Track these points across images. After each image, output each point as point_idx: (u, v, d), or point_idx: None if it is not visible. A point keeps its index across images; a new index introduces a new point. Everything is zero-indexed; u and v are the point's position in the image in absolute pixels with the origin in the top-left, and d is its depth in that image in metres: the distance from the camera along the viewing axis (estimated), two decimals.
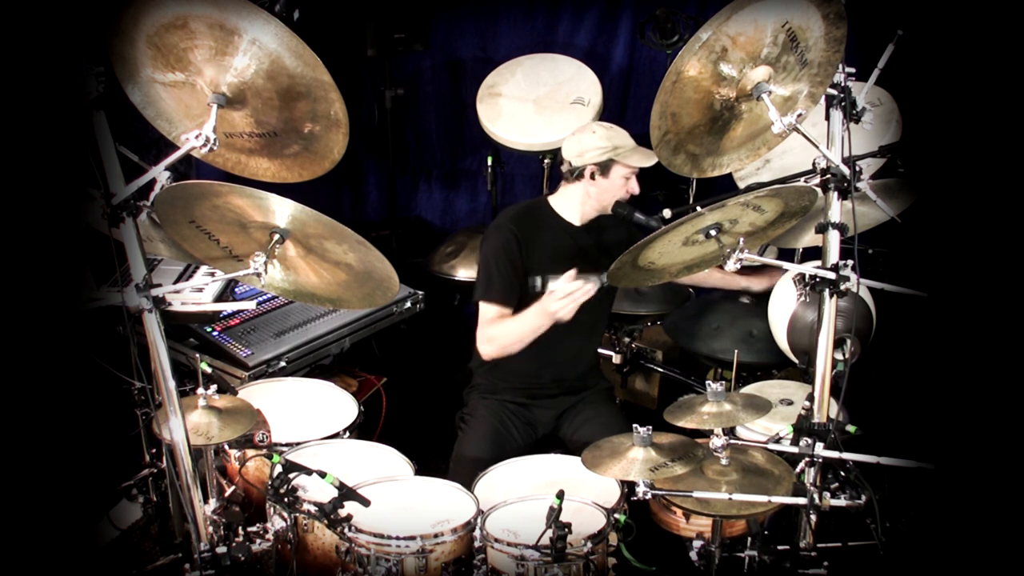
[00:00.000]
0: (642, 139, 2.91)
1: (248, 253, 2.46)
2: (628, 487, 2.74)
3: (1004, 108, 2.34)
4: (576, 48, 4.80)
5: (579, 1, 4.81)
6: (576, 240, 3.29)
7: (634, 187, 3.23)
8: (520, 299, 3.19)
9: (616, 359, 4.04)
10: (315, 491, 2.71)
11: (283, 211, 2.41)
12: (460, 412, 3.40)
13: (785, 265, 2.58)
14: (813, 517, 2.62)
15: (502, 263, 3.19)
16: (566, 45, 4.81)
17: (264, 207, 2.41)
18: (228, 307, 3.69)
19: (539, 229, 3.24)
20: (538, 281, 3.22)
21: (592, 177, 3.20)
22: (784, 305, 3.28)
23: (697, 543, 2.77)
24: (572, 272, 2.99)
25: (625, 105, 4.86)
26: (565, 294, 2.94)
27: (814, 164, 2.52)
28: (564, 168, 3.26)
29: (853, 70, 2.47)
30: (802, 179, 2.91)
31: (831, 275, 2.49)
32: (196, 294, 3.56)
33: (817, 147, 2.43)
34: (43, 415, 2.39)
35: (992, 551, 2.05)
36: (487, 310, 3.20)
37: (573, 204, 3.29)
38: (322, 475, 2.58)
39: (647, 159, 3.16)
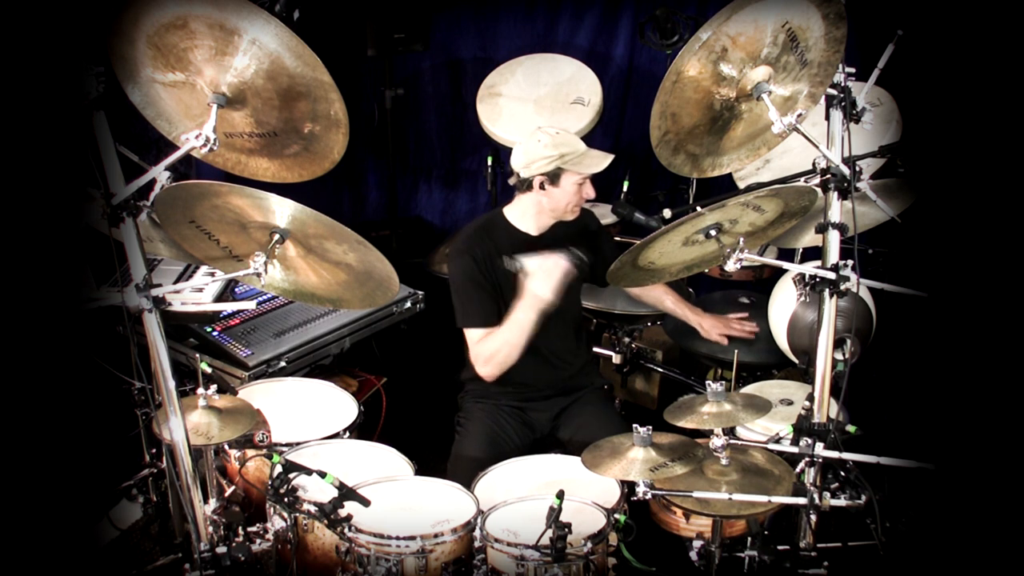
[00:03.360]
0: (642, 139, 2.92)
1: (248, 253, 2.46)
2: (628, 487, 2.74)
3: (1004, 108, 2.34)
4: (576, 48, 4.80)
5: (579, 1, 4.82)
6: (535, 251, 3.20)
7: (589, 192, 3.15)
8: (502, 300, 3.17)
9: (616, 359, 4.04)
10: (315, 491, 2.71)
11: (283, 211, 2.41)
12: (457, 416, 3.40)
13: (785, 265, 2.58)
14: (813, 517, 2.62)
15: (471, 289, 3.15)
16: (566, 45, 4.81)
17: (264, 207, 2.41)
18: (228, 307, 3.68)
19: (497, 245, 3.19)
20: (514, 264, 3.13)
21: (542, 187, 3.13)
22: (784, 305, 3.28)
23: (697, 543, 2.77)
24: (537, 251, 3.02)
25: (625, 105, 4.85)
26: (539, 266, 2.97)
27: (814, 164, 2.52)
28: (511, 180, 3.18)
29: (853, 70, 2.46)
30: (802, 179, 2.91)
31: (831, 275, 2.49)
32: (196, 294, 3.56)
33: (817, 147, 2.43)
34: (44, 415, 2.39)
35: (992, 551, 2.05)
36: (473, 334, 3.17)
37: (528, 215, 3.22)
38: (322, 475, 2.58)
39: (598, 164, 3.11)
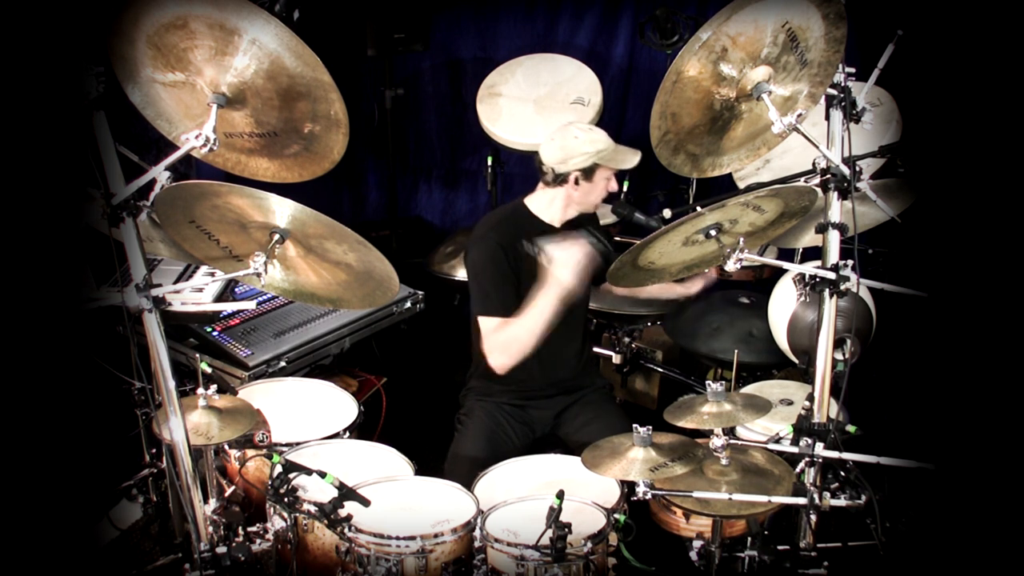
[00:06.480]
0: (642, 139, 2.92)
1: (248, 253, 2.46)
2: (628, 487, 2.74)
3: (1004, 108, 2.34)
4: (576, 48, 4.80)
5: (579, 1, 4.82)
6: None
7: (614, 185, 3.21)
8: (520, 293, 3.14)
9: (616, 359, 4.04)
10: (315, 491, 2.71)
11: (283, 211, 2.41)
12: (457, 414, 3.40)
13: (785, 265, 2.59)
14: (813, 517, 2.62)
15: (493, 275, 3.13)
16: (566, 45, 4.82)
17: (264, 207, 2.41)
18: (228, 307, 3.68)
19: (520, 236, 3.18)
20: (532, 247, 3.10)
21: (576, 182, 3.15)
22: (784, 305, 3.28)
23: (697, 543, 2.77)
24: (558, 236, 3.00)
25: (625, 105, 4.86)
26: (561, 250, 2.93)
27: (814, 164, 2.52)
28: (547, 176, 3.18)
29: (853, 70, 2.46)
30: (802, 179, 2.91)
31: (831, 275, 2.49)
32: (196, 294, 3.56)
33: (817, 147, 2.43)
34: (44, 415, 2.39)
35: (992, 551, 2.05)
36: (489, 323, 3.12)
37: (555, 208, 3.24)
38: (322, 475, 2.58)
39: (630, 159, 3.15)
